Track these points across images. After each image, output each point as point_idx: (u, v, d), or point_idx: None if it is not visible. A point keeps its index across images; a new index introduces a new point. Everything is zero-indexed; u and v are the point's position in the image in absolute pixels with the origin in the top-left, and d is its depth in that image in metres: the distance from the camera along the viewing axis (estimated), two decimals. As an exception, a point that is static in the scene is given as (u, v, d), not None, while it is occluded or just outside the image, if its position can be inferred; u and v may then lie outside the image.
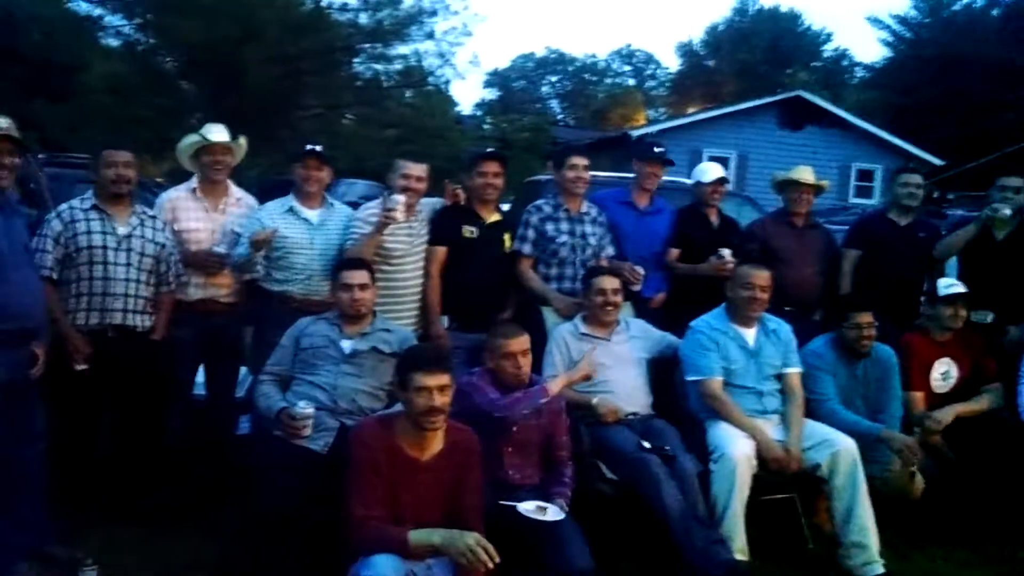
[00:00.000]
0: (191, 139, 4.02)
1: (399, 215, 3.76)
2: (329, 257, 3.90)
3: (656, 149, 4.60)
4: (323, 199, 4.06)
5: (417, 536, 2.53)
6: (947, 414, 4.02)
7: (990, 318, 4.53)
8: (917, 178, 4.89)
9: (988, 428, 4.00)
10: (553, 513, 3.00)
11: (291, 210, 3.97)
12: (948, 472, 3.87)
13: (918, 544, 3.82)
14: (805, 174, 4.80)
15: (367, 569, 2.49)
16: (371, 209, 3.99)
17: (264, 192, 4.67)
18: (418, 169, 4.00)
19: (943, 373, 4.22)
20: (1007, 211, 4.47)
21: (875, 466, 3.66)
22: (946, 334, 4.22)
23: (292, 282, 3.90)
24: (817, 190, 4.84)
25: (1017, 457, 3.83)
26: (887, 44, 28.05)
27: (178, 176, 4.28)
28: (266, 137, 16.13)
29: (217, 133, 3.98)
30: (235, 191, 4.13)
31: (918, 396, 4.12)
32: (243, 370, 4.13)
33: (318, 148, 4.03)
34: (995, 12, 24.74)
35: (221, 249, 3.91)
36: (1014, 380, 4.22)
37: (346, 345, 3.36)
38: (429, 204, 4.21)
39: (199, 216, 3.97)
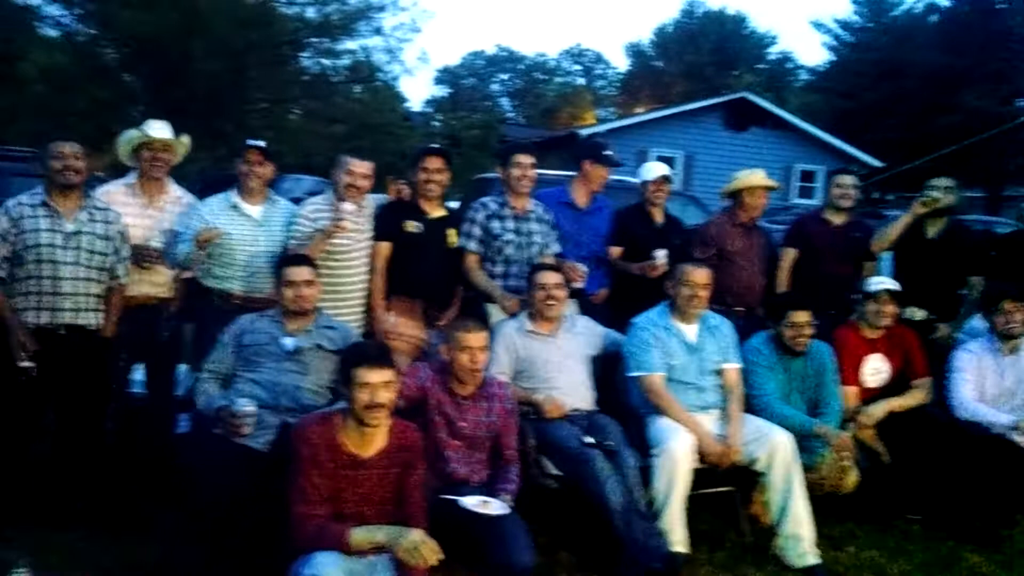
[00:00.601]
0: (130, 134, 3.93)
1: (348, 224, 3.75)
2: (272, 254, 3.86)
3: (606, 152, 4.64)
4: (266, 195, 4.02)
5: (360, 533, 2.53)
6: (879, 409, 4.14)
7: (920, 315, 4.67)
8: (851, 179, 5.03)
9: (918, 423, 4.12)
10: (496, 507, 3.02)
11: (233, 206, 3.92)
12: (880, 466, 3.99)
13: (850, 533, 3.94)
14: (764, 178, 4.92)
15: (308, 567, 2.48)
16: (314, 205, 3.97)
17: (208, 187, 4.60)
18: (363, 167, 3.98)
19: (875, 369, 4.34)
20: (935, 193, 4.63)
21: (809, 458, 3.76)
22: (877, 331, 4.33)
23: (234, 279, 3.86)
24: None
25: (945, 451, 3.96)
26: (830, 48, 28.71)
27: (121, 171, 4.18)
28: (211, 131, 15.83)
29: (158, 129, 3.90)
30: (174, 189, 4.05)
31: (851, 391, 4.22)
32: (183, 368, 4.07)
33: (261, 143, 3.98)
34: (934, 18, 25.49)
35: (157, 243, 3.85)
36: (944, 376, 4.37)
37: (288, 342, 3.33)
38: (374, 200, 4.19)
39: (135, 212, 3.88)
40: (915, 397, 4.28)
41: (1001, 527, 3.99)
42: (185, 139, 4.04)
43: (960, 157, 17.87)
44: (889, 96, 23.56)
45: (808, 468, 3.71)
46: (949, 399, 4.26)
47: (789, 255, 4.90)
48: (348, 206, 3.79)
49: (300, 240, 3.86)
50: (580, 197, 4.65)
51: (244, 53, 16.42)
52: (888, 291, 4.28)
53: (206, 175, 11.43)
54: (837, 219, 4.92)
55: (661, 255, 4.29)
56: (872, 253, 4.88)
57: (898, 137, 21.87)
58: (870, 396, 4.26)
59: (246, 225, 3.90)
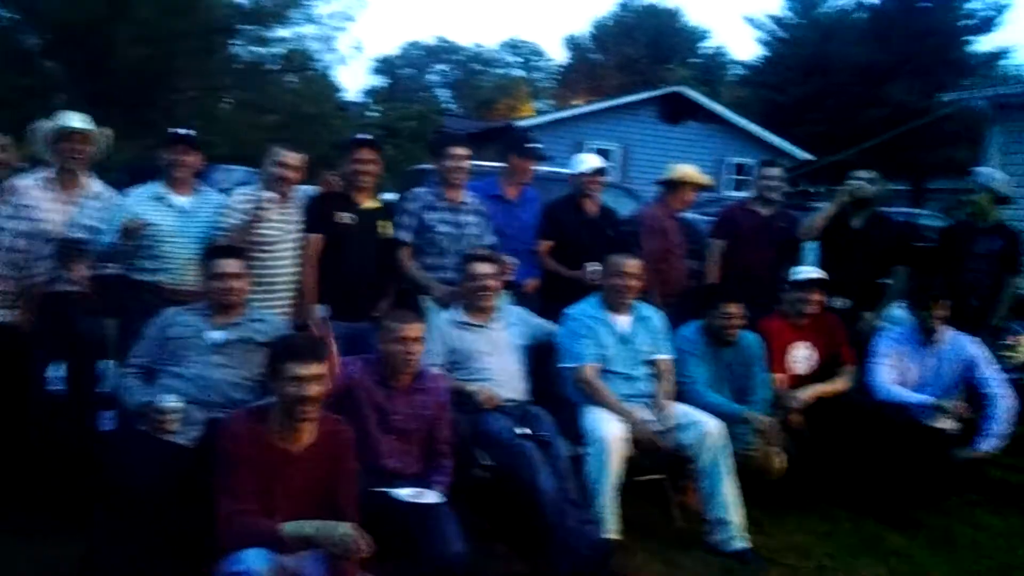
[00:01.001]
0: (47, 125, 3.79)
1: (271, 214, 3.70)
2: (201, 245, 3.77)
3: (528, 145, 4.65)
4: (193, 185, 3.92)
5: (289, 528, 2.49)
6: (806, 394, 4.26)
7: (843, 303, 4.81)
8: (778, 171, 5.16)
9: (842, 410, 4.24)
10: (430, 496, 3.01)
11: (159, 197, 3.82)
12: (807, 451, 4.10)
13: (779, 518, 4.03)
14: (699, 175, 5.07)
15: (237, 564, 2.43)
16: (243, 196, 3.89)
17: (135, 177, 4.46)
18: (294, 158, 3.93)
19: (802, 356, 4.45)
20: (859, 182, 4.79)
21: (739, 444, 3.85)
22: (803, 319, 4.45)
23: (162, 271, 3.77)
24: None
25: (867, 437, 4.09)
26: (762, 43, 29.22)
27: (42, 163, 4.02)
28: (138, 120, 15.35)
29: (76, 120, 3.77)
30: (93, 183, 3.92)
31: (780, 378, 4.33)
32: (108, 364, 3.93)
33: (187, 132, 3.88)
34: (861, 15, 26.15)
35: (78, 234, 3.72)
36: (867, 362, 4.51)
37: (215, 336, 3.25)
38: (304, 192, 4.13)
39: (49, 207, 3.74)
40: (841, 383, 4.40)
41: (922, 509, 4.14)
42: (107, 131, 3.91)
43: (885, 150, 18.43)
44: (818, 90, 24.10)
45: (737, 454, 3.79)
46: (869, 381, 4.41)
47: (718, 246, 5.00)
48: (268, 194, 3.73)
49: (228, 231, 3.79)
50: (509, 190, 4.66)
51: (172, 40, 15.95)
52: (815, 280, 4.39)
53: (132, 165, 11.07)
54: (764, 210, 5.04)
55: (592, 268, 4.30)
56: (798, 243, 5.02)
57: (826, 130, 22.39)
58: (798, 382, 4.37)
59: (173, 216, 3.81)
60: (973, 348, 4.40)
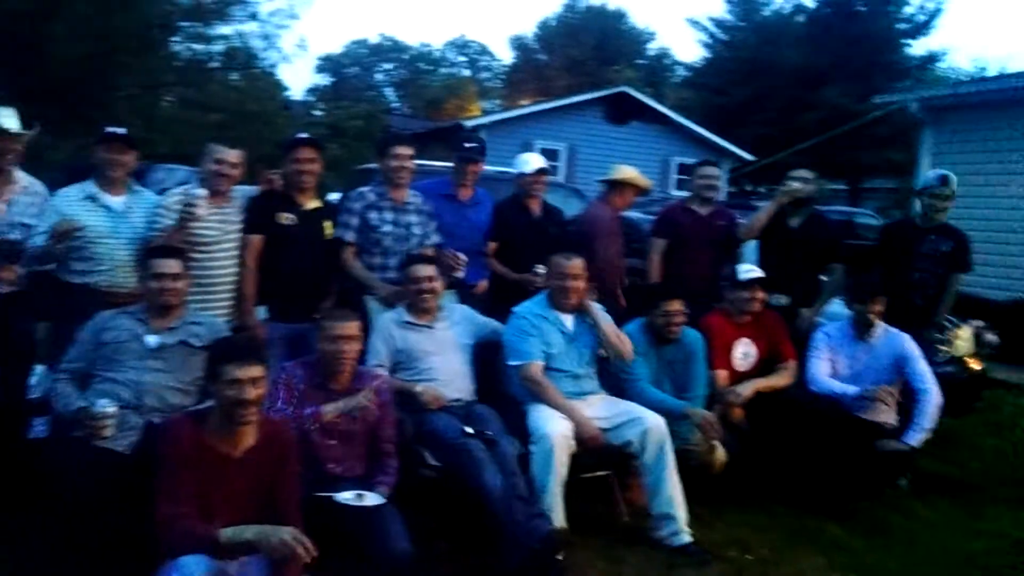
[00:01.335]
0: None
1: (201, 211, 3.62)
2: (135, 246, 3.70)
3: (467, 144, 4.65)
4: (127, 185, 3.83)
5: (229, 533, 2.44)
6: (747, 388, 4.34)
7: (785, 301, 4.91)
8: (714, 170, 5.26)
9: (780, 405, 4.34)
10: (372, 499, 2.99)
11: (91, 197, 3.72)
12: (747, 445, 4.18)
13: (720, 512, 4.10)
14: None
15: (175, 571, 2.38)
16: (176, 196, 3.81)
17: (72, 176, 4.32)
18: (232, 155, 3.87)
19: (743, 353, 4.54)
20: (797, 184, 4.89)
21: (681, 440, 3.90)
22: (745, 316, 4.54)
23: (95, 273, 3.66)
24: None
25: (804, 431, 4.18)
26: (705, 45, 29.66)
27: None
28: (76, 118, 14.93)
29: (4, 118, 3.64)
30: (23, 179, 3.79)
31: (722, 374, 4.41)
32: (39, 369, 3.82)
33: (121, 131, 3.78)
34: (800, 19, 26.72)
35: (16, 235, 3.60)
36: (806, 357, 4.62)
37: (151, 340, 3.18)
38: (244, 192, 4.06)
39: None
40: (781, 378, 4.50)
41: (858, 500, 4.25)
42: (33, 130, 3.78)
43: (823, 151, 18.89)
44: (759, 93, 24.57)
45: (679, 449, 3.84)
46: (805, 375, 4.52)
47: (659, 245, 5.07)
48: (201, 192, 3.66)
49: (162, 232, 3.71)
50: (460, 190, 4.65)
51: (110, 37, 15.53)
52: (758, 279, 4.48)
53: (70, 164, 10.76)
54: (703, 209, 5.12)
55: (541, 270, 4.32)
56: (738, 241, 5.11)
57: (768, 132, 22.86)
58: (739, 378, 4.45)
59: (106, 217, 3.71)
60: (906, 344, 4.53)
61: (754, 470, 4.20)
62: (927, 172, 5.24)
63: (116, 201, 3.76)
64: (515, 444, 3.62)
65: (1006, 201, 9.97)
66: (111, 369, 3.14)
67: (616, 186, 5.10)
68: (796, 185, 4.92)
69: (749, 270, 4.56)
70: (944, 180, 5.07)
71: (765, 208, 5.00)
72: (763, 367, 4.56)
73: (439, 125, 21.92)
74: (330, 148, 16.25)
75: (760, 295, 4.51)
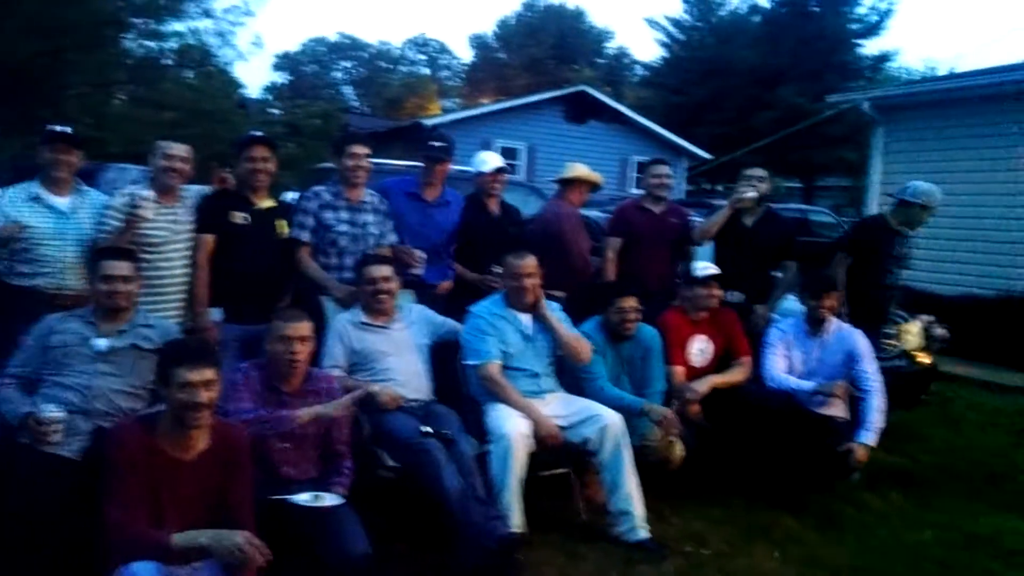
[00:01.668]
0: None
1: (149, 213, 3.55)
2: (81, 247, 3.62)
3: (434, 144, 4.62)
4: (73, 185, 3.74)
5: (180, 539, 2.40)
6: (703, 385, 4.39)
7: (740, 298, 4.97)
8: (666, 169, 5.29)
9: (736, 399, 4.40)
10: (329, 500, 2.97)
11: (36, 197, 3.63)
12: (704, 440, 4.23)
13: (678, 507, 4.15)
14: (592, 173, 5.22)
15: (125, 578, 2.34)
16: (124, 197, 3.73)
17: (20, 175, 4.23)
18: (180, 150, 3.80)
19: (700, 349, 4.59)
20: (751, 194, 4.96)
21: (639, 437, 3.93)
22: (701, 313, 4.59)
23: (40, 275, 3.58)
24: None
25: (758, 425, 4.24)
26: (663, 45, 29.92)
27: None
28: (23, 116, 14.56)
29: None
30: None
31: (679, 370, 4.45)
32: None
33: (66, 129, 3.70)
34: (756, 19, 27.09)
35: None
36: (761, 353, 4.68)
37: (100, 343, 3.10)
38: (196, 191, 4.00)
39: None
40: (736, 374, 4.56)
41: (811, 493, 4.33)
42: None
43: (778, 150, 19.18)
44: (716, 92, 24.88)
45: (638, 446, 3.88)
46: (760, 370, 4.58)
47: (614, 243, 5.10)
48: (148, 193, 3.60)
49: (109, 235, 3.64)
50: (426, 189, 4.63)
51: (59, 33, 15.17)
52: (714, 276, 4.53)
53: (18, 164, 10.49)
54: (656, 207, 5.16)
55: (498, 270, 4.31)
56: (691, 239, 5.17)
57: (724, 131, 23.17)
58: (696, 375, 4.50)
59: (51, 218, 3.62)
60: (858, 341, 4.61)
61: (711, 465, 4.26)
62: (926, 186, 5.29)
63: (62, 202, 3.67)
64: (473, 444, 3.62)
65: (957, 198, 10.19)
66: (59, 373, 3.06)
67: (570, 183, 5.13)
68: (749, 195, 4.97)
69: (706, 267, 4.60)
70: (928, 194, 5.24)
71: (718, 214, 5.06)
72: (719, 363, 4.62)
73: (398, 124, 21.80)
74: (287, 147, 16.08)
75: (717, 292, 4.57)
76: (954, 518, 4.28)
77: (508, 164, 5.07)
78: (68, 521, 2.73)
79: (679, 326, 4.54)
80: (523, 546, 3.43)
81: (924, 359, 5.92)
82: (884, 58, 26.44)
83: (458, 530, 3.27)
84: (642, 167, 5.36)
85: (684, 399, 4.28)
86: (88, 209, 3.74)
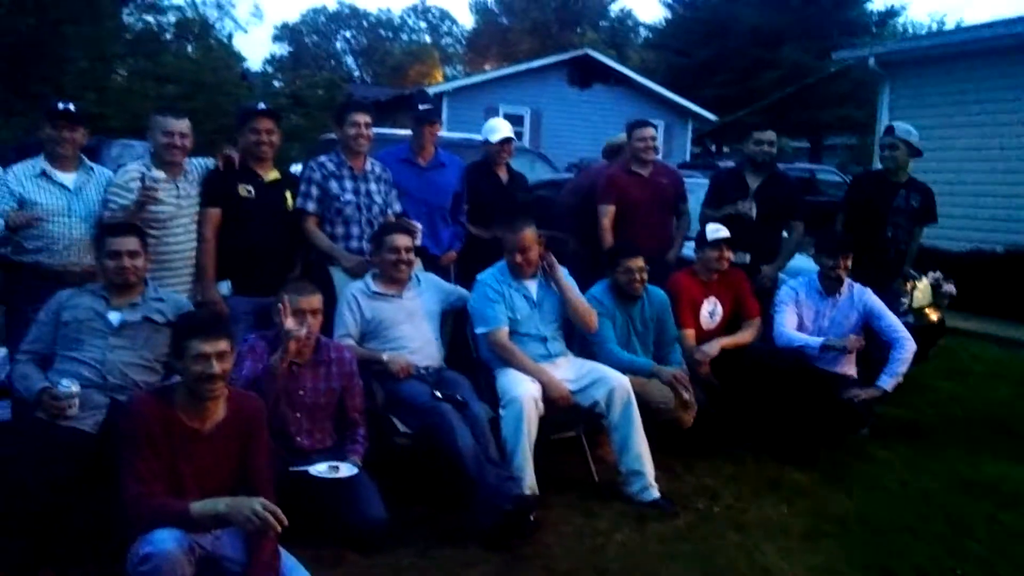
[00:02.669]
0: None
1: (161, 194, 3.57)
2: (90, 224, 3.62)
3: (421, 106, 4.62)
4: (79, 161, 3.74)
5: (200, 507, 2.44)
6: (714, 347, 4.41)
7: (747, 259, 4.97)
8: (651, 131, 5.18)
9: (747, 360, 4.42)
10: (346, 470, 3.01)
11: (43, 174, 3.63)
12: (716, 401, 4.26)
13: (689, 463, 4.20)
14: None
15: (147, 545, 2.36)
16: (130, 174, 3.74)
17: (22, 154, 4.24)
18: (180, 124, 3.78)
19: (710, 311, 4.60)
20: (752, 212, 4.93)
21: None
22: (712, 275, 4.60)
23: (47, 252, 3.58)
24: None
25: (765, 383, 4.27)
26: (666, 6, 29.53)
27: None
28: (24, 94, 14.54)
29: None
30: None
31: (689, 333, 4.48)
32: (1, 352, 3.76)
33: (68, 105, 3.68)
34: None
35: None
36: (770, 313, 4.69)
37: (114, 317, 3.13)
38: (200, 164, 4.01)
39: None
40: (746, 335, 4.57)
41: (818, 448, 4.36)
42: None
43: (784, 109, 19.01)
44: (720, 53, 24.59)
45: (650, 406, 3.89)
46: (771, 330, 4.58)
47: (609, 211, 5.06)
48: (158, 174, 3.59)
49: (115, 212, 3.64)
50: (420, 153, 4.63)
51: (57, 7, 15.08)
52: (724, 239, 4.52)
53: (21, 142, 10.49)
54: (644, 170, 5.12)
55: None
56: (684, 197, 5.19)
57: (729, 92, 22.94)
58: (706, 336, 4.52)
59: (58, 194, 3.62)
60: (870, 299, 4.61)
61: (721, 422, 4.29)
62: (891, 126, 5.25)
63: (68, 178, 3.67)
64: (486, 408, 3.65)
65: (964, 153, 10.13)
66: (73, 348, 3.10)
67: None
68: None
69: (716, 230, 4.59)
70: (888, 130, 5.18)
71: (725, 209, 4.98)
72: (729, 325, 4.64)
73: (402, 93, 21.67)
74: (292, 118, 15.98)
75: (727, 254, 4.57)
76: (958, 467, 4.32)
77: (513, 132, 5.05)
78: (89, 493, 2.79)
79: (690, 288, 4.55)
80: (537, 506, 3.47)
81: (933, 315, 5.93)
82: (891, 13, 26.06)
83: (474, 492, 3.31)
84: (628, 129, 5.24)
85: (695, 360, 4.31)
86: (94, 186, 3.73)
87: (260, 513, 2.36)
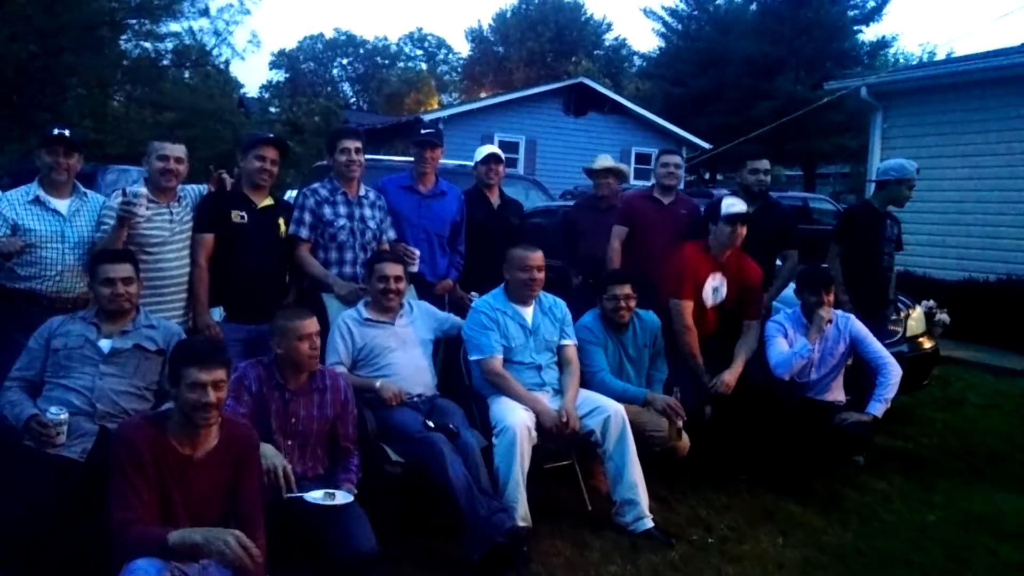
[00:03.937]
0: None
1: (141, 210, 3.56)
2: (83, 251, 3.62)
3: (423, 131, 4.66)
4: (73, 188, 3.74)
5: (178, 536, 2.39)
6: (731, 376, 4.31)
7: None
8: (676, 159, 5.26)
9: (741, 389, 4.37)
10: (342, 498, 2.98)
11: (37, 200, 3.63)
12: (710, 429, 4.24)
13: (682, 493, 4.17)
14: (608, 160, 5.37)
15: (128, 575, 2.34)
16: (119, 198, 3.73)
17: (18, 180, 4.24)
18: (176, 150, 3.80)
19: (714, 288, 4.52)
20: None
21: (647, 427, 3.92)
22: (724, 252, 4.53)
23: (40, 279, 3.57)
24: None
25: (760, 413, 4.25)
26: (661, 35, 29.87)
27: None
28: (22, 120, 14.59)
29: None
30: None
31: (687, 304, 4.40)
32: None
33: (65, 132, 3.68)
34: (753, 8, 27.00)
35: None
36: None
37: (104, 344, 3.12)
38: (194, 191, 4.01)
39: None
40: (748, 344, 4.51)
41: (815, 478, 4.34)
42: None
43: (778, 138, 19.14)
44: (714, 82, 24.86)
45: (644, 434, 3.87)
46: (769, 364, 4.50)
47: (620, 232, 5.09)
48: (140, 190, 3.59)
49: (106, 233, 3.64)
50: (421, 180, 4.64)
51: (56, 35, 15.18)
52: (741, 215, 4.46)
53: (19, 168, 10.50)
54: (664, 197, 5.16)
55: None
56: (699, 228, 5.16)
57: (724, 121, 23.14)
58: (704, 314, 4.48)
59: (51, 221, 3.62)
60: (855, 325, 4.60)
61: (716, 452, 4.26)
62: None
63: (62, 204, 3.67)
64: (478, 437, 3.63)
65: (957, 183, 10.19)
66: (63, 376, 3.08)
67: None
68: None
69: (732, 204, 4.50)
70: (917, 169, 5.20)
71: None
72: (729, 310, 4.58)
73: (398, 120, 21.79)
74: (289, 145, 16.06)
75: (742, 231, 4.47)
76: (956, 499, 4.30)
77: (507, 157, 5.08)
78: (74, 522, 2.75)
79: (697, 260, 4.49)
80: (528, 538, 3.43)
81: (927, 344, 5.93)
82: (882, 44, 26.39)
83: (465, 523, 3.28)
84: (642, 158, 5.34)
85: (715, 391, 4.27)
86: (88, 212, 3.73)
87: (233, 547, 2.31)
